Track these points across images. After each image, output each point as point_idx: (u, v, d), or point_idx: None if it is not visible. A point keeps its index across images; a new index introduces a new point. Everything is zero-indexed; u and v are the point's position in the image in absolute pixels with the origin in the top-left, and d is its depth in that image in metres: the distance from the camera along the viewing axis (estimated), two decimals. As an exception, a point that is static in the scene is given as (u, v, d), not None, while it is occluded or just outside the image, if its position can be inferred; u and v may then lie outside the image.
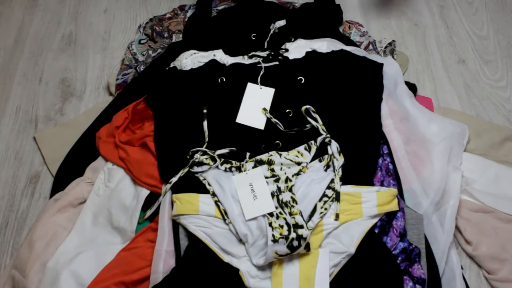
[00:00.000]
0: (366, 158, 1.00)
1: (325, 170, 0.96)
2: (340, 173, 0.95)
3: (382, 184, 0.98)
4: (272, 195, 0.93)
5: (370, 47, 1.30)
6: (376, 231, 0.92)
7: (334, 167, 0.96)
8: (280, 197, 0.92)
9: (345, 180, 0.95)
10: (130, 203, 1.01)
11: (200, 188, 0.97)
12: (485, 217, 1.01)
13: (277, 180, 0.95)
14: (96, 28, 1.45)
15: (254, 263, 0.88)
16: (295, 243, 0.86)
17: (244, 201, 0.93)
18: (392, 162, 1.02)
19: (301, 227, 0.88)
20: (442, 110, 1.19)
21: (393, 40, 1.32)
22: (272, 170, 0.96)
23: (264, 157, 0.97)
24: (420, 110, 1.12)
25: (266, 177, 0.95)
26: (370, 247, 0.90)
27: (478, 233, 0.99)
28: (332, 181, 0.94)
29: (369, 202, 0.92)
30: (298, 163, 0.97)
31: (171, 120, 1.08)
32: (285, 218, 0.89)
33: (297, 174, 0.96)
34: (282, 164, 0.97)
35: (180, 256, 0.92)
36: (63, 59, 1.38)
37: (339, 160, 0.96)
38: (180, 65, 1.17)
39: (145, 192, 1.02)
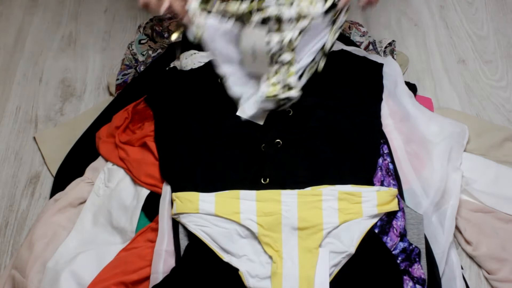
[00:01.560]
0: (366, 158, 1.00)
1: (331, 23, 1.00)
2: (337, 33, 1.00)
3: (382, 184, 0.98)
4: (274, 54, 0.97)
5: (370, 47, 1.30)
6: (376, 231, 0.92)
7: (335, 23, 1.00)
8: (282, 57, 0.97)
9: (345, 180, 0.95)
10: (130, 203, 1.01)
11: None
12: (485, 217, 1.01)
13: (281, 42, 0.96)
14: (96, 28, 1.45)
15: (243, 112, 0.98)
16: (282, 102, 0.99)
17: (244, 58, 1.00)
18: (392, 162, 1.02)
19: (292, 88, 0.97)
20: (442, 110, 1.19)
21: (393, 40, 1.32)
22: (279, 28, 0.97)
23: (272, 11, 0.96)
24: (420, 110, 1.12)
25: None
26: (370, 247, 0.90)
27: (478, 233, 0.99)
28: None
29: (369, 201, 0.92)
30: (306, 17, 0.97)
31: (171, 120, 1.08)
32: (282, 76, 0.97)
33: (303, 30, 0.97)
34: (291, 19, 0.96)
35: (180, 256, 0.92)
36: (63, 59, 1.38)
37: (341, 19, 1.00)
38: (180, 65, 1.17)
39: (145, 192, 1.02)
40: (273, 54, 0.96)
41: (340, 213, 0.91)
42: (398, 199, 0.95)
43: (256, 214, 0.91)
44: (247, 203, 0.92)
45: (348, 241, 0.89)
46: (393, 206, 0.93)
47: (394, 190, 0.94)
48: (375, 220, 0.92)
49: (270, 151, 1.00)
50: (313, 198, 0.92)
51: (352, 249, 0.89)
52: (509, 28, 1.39)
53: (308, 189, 0.94)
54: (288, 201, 0.92)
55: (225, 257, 0.89)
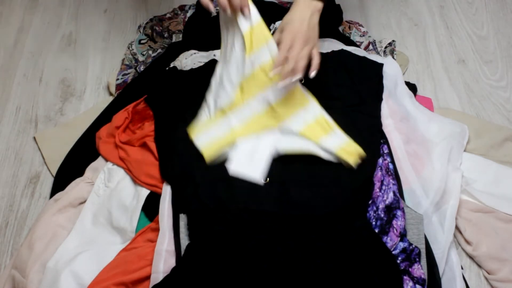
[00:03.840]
0: (366, 158, 1.00)
1: None
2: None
3: (382, 184, 0.98)
4: None
5: (370, 47, 1.30)
6: (376, 231, 0.92)
7: None
8: None
9: (344, 180, 0.95)
10: (130, 203, 1.01)
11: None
12: (485, 217, 1.01)
13: None
14: (96, 28, 1.45)
15: None
16: None
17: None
18: (392, 162, 1.02)
19: None
20: (442, 110, 1.19)
21: (393, 40, 1.32)
22: None
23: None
24: (420, 110, 1.12)
25: None
26: (370, 247, 0.90)
27: (478, 233, 0.99)
28: None
29: (335, 139, 0.96)
30: None
31: (171, 120, 1.08)
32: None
33: None
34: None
35: (181, 256, 0.92)
36: (63, 59, 1.38)
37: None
38: (180, 65, 1.17)
39: (145, 192, 1.02)
40: None
41: (305, 127, 0.96)
42: (398, 198, 0.95)
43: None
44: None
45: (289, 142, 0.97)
46: (352, 160, 0.96)
47: (362, 153, 0.97)
48: (322, 153, 0.96)
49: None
50: (301, 101, 0.98)
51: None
52: (509, 28, 1.39)
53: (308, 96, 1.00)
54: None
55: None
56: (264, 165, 0.97)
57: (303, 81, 1.09)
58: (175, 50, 1.26)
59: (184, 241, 0.93)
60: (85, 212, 1.03)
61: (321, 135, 0.97)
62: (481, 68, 1.31)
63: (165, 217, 0.95)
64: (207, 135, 1.01)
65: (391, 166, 1.01)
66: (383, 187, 0.97)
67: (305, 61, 0.94)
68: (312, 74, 0.96)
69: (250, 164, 0.97)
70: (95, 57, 1.38)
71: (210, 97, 1.04)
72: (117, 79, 1.28)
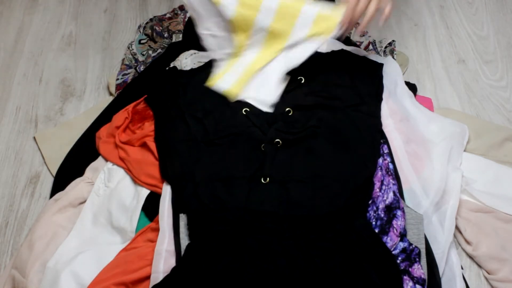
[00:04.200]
0: (366, 158, 1.00)
1: None
2: None
3: (382, 184, 0.98)
4: None
5: (370, 47, 1.30)
6: (376, 231, 0.92)
7: None
8: None
9: (345, 180, 0.95)
10: (130, 203, 1.01)
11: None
12: (485, 217, 1.01)
13: None
14: (96, 28, 1.45)
15: None
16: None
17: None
18: (392, 162, 1.02)
19: None
20: (442, 110, 1.19)
21: (393, 40, 1.32)
22: None
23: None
24: (420, 110, 1.12)
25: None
26: (370, 247, 0.90)
27: (478, 233, 0.99)
28: None
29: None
30: None
31: (171, 120, 1.08)
32: None
33: None
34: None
35: (181, 256, 0.92)
36: (63, 59, 1.38)
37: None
38: (180, 65, 1.17)
39: (145, 192, 1.02)
40: None
41: (312, 27, 1.01)
42: (398, 198, 0.95)
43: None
44: None
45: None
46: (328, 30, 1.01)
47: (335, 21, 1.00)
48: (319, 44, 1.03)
49: (270, 150, 1.00)
50: (294, 11, 1.01)
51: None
52: (509, 28, 1.39)
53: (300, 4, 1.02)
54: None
55: None
56: (273, 90, 1.04)
57: (303, 81, 1.09)
58: (175, 50, 1.26)
59: (184, 241, 0.93)
60: (85, 212, 1.03)
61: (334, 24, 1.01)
62: (481, 68, 1.31)
63: (165, 217, 0.95)
64: (228, 77, 1.07)
65: (391, 166, 1.01)
66: (383, 187, 0.97)
67: (372, 13, 0.99)
68: (381, 23, 1.01)
69: (260, 90, 1.04)
70: (95, 57, 1.38)
71: (216, 54, 1.10)
72: (117, 79, 1.28)
